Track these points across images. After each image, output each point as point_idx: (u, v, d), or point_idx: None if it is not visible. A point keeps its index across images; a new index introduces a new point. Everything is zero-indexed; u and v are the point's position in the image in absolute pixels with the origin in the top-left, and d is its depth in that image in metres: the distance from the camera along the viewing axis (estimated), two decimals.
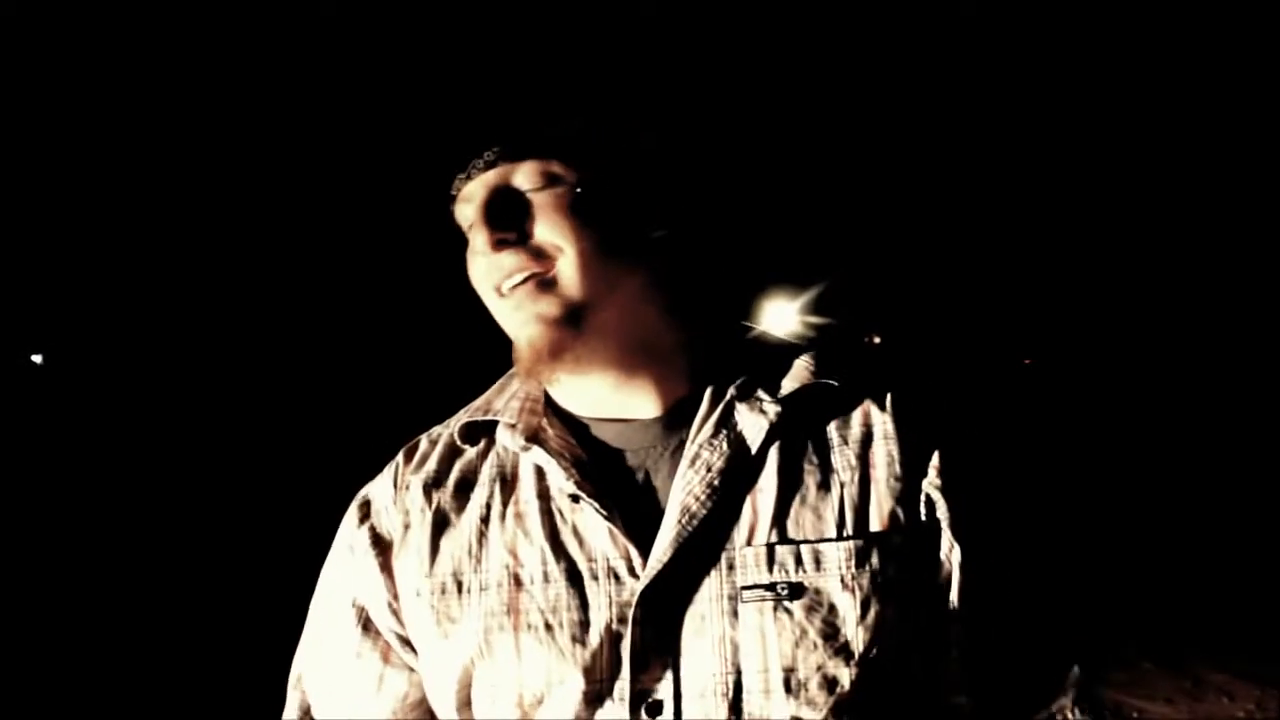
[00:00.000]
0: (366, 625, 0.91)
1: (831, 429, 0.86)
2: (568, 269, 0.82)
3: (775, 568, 0.79)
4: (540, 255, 0.82)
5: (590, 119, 0.87)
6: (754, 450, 0.84)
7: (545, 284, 0.82)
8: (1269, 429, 9.83)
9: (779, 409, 0.85)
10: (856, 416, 0.86)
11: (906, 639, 0.80)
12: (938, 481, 0.83)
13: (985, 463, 0.87)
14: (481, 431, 0.93)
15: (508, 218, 0.83)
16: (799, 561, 0.80)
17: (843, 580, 0.79)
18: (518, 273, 0.82)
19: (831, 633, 0.78)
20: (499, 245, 0.82)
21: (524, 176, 0.83)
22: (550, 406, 0.91)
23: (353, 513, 0.95)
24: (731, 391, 0.86)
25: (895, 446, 0.84)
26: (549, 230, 0.82)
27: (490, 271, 0.84)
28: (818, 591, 0.79)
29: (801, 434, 0.85)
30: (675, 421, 0.87)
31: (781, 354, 0.90)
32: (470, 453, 0.92)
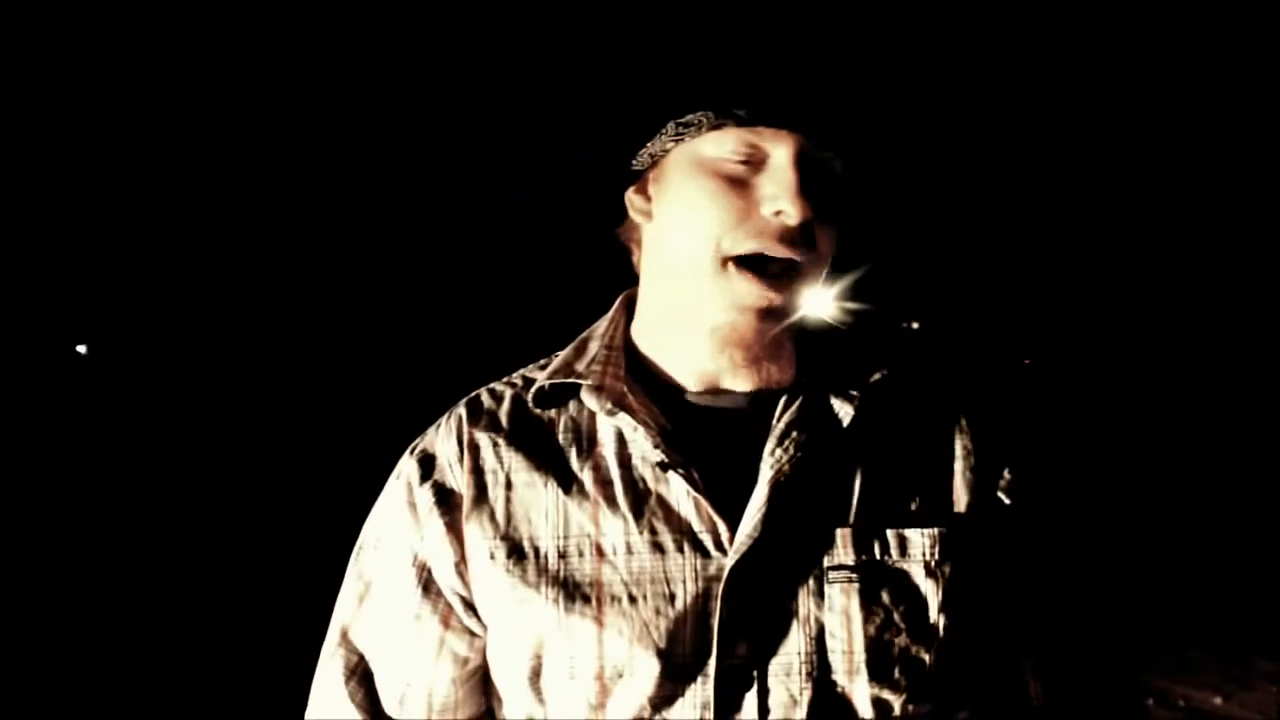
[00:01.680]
0: (428, 587, 0.87)
1: (913, 420, 0.87)
2: (818, 268, 0.83)
3: (862, 550, 0.80)
4: (811, 244, 0.81)
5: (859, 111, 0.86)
6: (842, 433, 0.84)
7: (798, 273, 0.82)
8: None
9: (866, 397, 0.86)
10: (937, 410, 0.88)
11: (984, 626, 0.82)
12: (1011, 476, 0.86)
13: (1053, 460, 0.89)
14: (560, 394, 0.89)
15: (818, 192, 0.80)
16: (885, 546, 0.80)
17: (927, 566, 0.80)
18: (791, 253, 0.80)
19: (915, 617, 0.79)
20: (809, 213, 0.79)
21: (826, 158, 0.82)
22: (631, 371, 0.89)
23: (411, 468, 0.90)
24: (823, 377, 0.87)
25: (971, 440, 0.86)
26: (830, 224, 0.82)
27: (752, 233, 0.80)
28: (903, 576, 0.80)
29: (886, 423, 0.86)
30: (767, 400, 0.86)
31: (866, 344, 0.91)
32: (544, 414, 0.89)
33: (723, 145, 0.80)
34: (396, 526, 0.89)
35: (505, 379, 0.95)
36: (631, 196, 0.89)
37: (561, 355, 0.93)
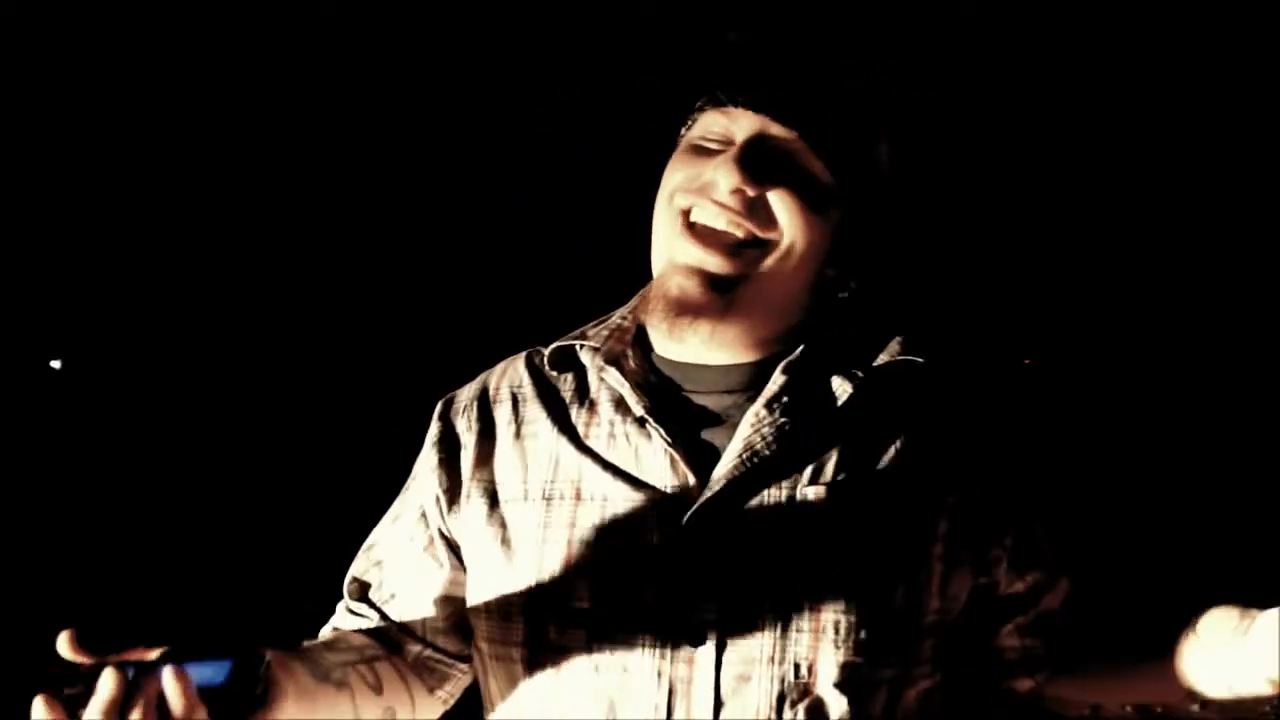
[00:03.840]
0: (423, 515, 0.96)
1: (911, 403, 0.86)
2: (781, 246, 0.85)
3: (836, 512, 0.79)
4: (770, 222, 0.84)
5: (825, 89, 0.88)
6: (835, 409, 0.85)
7: (750, 247, 0.84)
8: None
9: (862, 377, 0.86)
10: (936, 395, 0.87)
11: (958, 596, 0.82)
12: (1002, 465, 0.85)
13: (1047, 450, 0.89)
14: (572, 356, 0.95)
15: (773, 169, 0.83)
16: (859, 511, 0.80)
17: (901, 534, 0.80)
18: (723, 217, 0.84)
19: (888, 583, 0.78)
20: (749, 186, 0.82)
21: (787, 137, 0.84)
22: (639, 343, 0.94)
23: (439, 409, 1.01)
24: (832, 356, 0.87)
25: (968, 428, 0.86)
26: (795, 203, 0.84)
27: (693, 190, 0.85)
28: (877, 543, 0.79)
29: (882, 404, 0.86)
30: (759, 373, 0.87)
31: (877, 328, 0.91)
32: (559, 375, 0.95)
33: (706, 126, 0.88)
34: (421, 459, 1.00)
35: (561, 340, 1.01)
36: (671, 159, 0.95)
37: (584, 327, 0.98)
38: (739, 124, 0.85)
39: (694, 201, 0.85)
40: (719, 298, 0.83)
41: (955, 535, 0.81)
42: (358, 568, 0.99)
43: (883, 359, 0.87)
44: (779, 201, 0.83)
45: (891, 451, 0.83)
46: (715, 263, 0.83)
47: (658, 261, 0.89)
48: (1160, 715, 0.72)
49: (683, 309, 0.84)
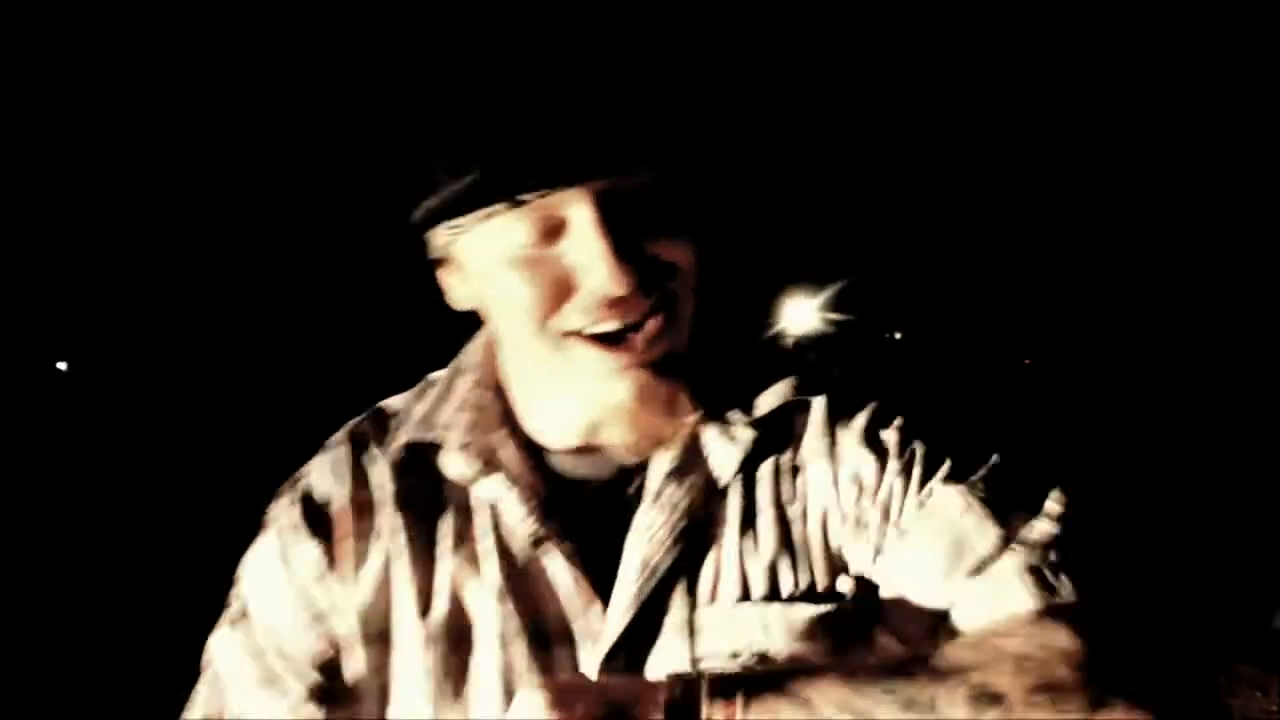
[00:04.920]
0: (282, 652, 0.76)
1: (811, 453, 0.74)
2: (683, 294, 0.70)
3: (739, 633, 0.69)
4: (661, 280, 0.68)
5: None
6: (722, 484, 0.73)
7: (660, 314, 0.69)
8: None
9: (753, 434, 0.73)
10: (842, 438, 0.74)
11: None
12: (923, 512, 0.71)
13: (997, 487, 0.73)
14: (428, 449, 0.77)
15: (642, 228, 0.67)
16: (767, 627, 0.69)
17: (817, 648, 0.69)
18: (632, 315, 0.67)
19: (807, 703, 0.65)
20: (627, 270, 0.65)
21: (635, 184, 0.67)
22: (506, 418, 0.77)
23: (296, 516, 0.78)
24: (699, 413, 0.74)
25: (880, 473, 0.73)
26: (674, 243, 0.69)
27: (579, 310, 0.67)
28: (791, 656, 0.69)
29: (778, 461, 0.74)
30: (646, 448, 0.75)
31: (769, 364, 0.78)
32: (420, 465, 0.77)
33: (508, 230, 0.66)
34: (257, 591, 0.78)
35: (397, 398, 0.83)
36: (441, 275, 0.76)
37: (428, 398, 0.80)
38: (567, 206, 0.65)
39: (579, 316, 0.67)
40: (658, 378, 0.70)
41: (884, 629, 0.71)
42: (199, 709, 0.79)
43: (769, 403, 0.75)
44: (665, 255, 0.68)
45: (795, 535, 0.72)
46: (638, 356, 0.68)
47: (557, 371, 0.71)
48: None
49: (631, 406, 0.70)
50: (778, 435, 0.75)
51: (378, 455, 0.79)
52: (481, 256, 0.69)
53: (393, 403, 0.83)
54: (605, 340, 0.68)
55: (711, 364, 0.76)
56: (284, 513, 0.79)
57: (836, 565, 0.72)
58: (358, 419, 0.82)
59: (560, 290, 0.67)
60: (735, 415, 0.74)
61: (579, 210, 0.65)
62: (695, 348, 0.73)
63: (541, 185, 0.63)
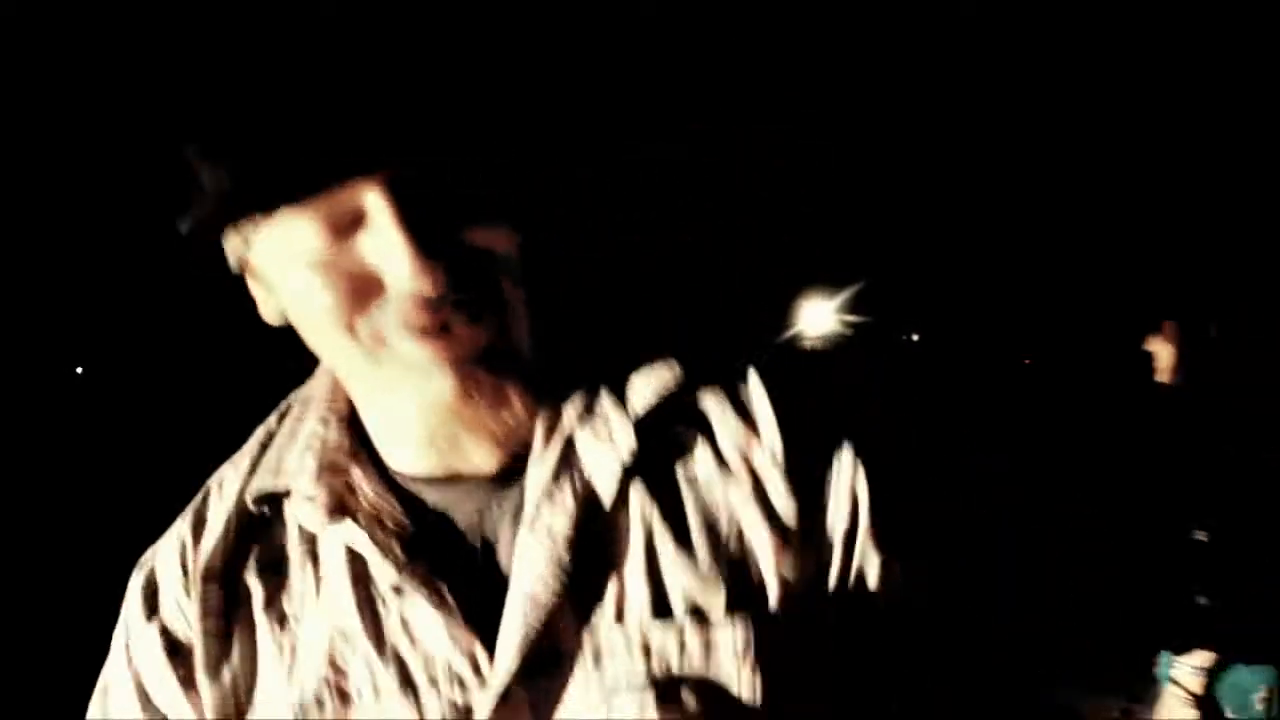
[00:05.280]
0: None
1: (707, 453, 0.66)
2: (507, 285, 0.63)
3: (653, 654, 0.62)
4: (479, 277, 0.61)
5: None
6: (608, 501, 0.64)
7: (482, 308, 0.61)
8: None
9: (633, 442, 0.64)
10: (740, 433, 0.66)
11: (833, 706, 0.65)
12: (854, 515, 0.65)
13: (928, 477, 0.69)
14: (275, 502, 0.70)
15: (450, 219, 0.59)
16: (682, 646, 0.62)
17: (739, 664, 0.62)
18: (441, 316, 0.59)
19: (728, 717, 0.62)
20: (434, 266, 0.57)
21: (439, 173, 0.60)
22: (362, 448, 0.69)
23: (138, 599, 0.72)
24: (570, 418, 0.66)
25: (788, 474, 0.65)
26: (490, 232, 0.61)
27: (389, 313, 0.59)
28: (709, 680, 0.62)
29: (671, 463, 0.66)
30: (514, 469, 0.66)
31: (655, 356, 0.68)
32: (272, 516, 0.70)
33: (297, 229, 0.58)
34: (122, 665, 0.72)
35: (241, 455, 0.74)
36: (251, 287, 0.68)
37: (278, 433, 0.73)
38: (362, 196, 0.57)
39: (390, 320, 0.60)
40: (487, 376, 0.63)
41: (813, 640, 0.65)
42: None
43: (647, 399, 0.66)
44: (480, 246, 0.61)
45: (703, 543, 0.64)
46: (460, 351, 0.61)
47: (377, 377, 0.63)
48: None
49: (470, 411, 0.64)
50: (666, 431, 0.66)
51: (221, 514, 0.71)
52: (275, 263, 0.61)
53: (234, 459, 0.75)
54: (422, 333, 0.60)
55: (562, 357, 0.68)
56: (134, 601, 0.72)
57: (752, 573, 0.64)
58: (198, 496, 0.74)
59: (364, 290, 0.59)
60: (611, 415, 0.65)
61: (374, 201, 0.57)
62: (542, 340, 0.67)
63: (314, 176, 0.56)
